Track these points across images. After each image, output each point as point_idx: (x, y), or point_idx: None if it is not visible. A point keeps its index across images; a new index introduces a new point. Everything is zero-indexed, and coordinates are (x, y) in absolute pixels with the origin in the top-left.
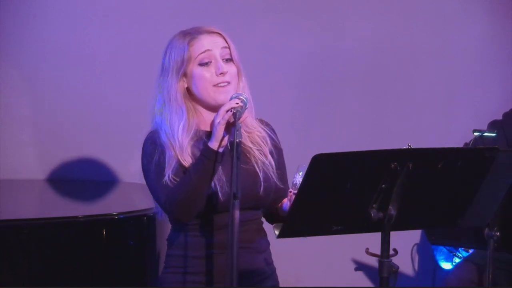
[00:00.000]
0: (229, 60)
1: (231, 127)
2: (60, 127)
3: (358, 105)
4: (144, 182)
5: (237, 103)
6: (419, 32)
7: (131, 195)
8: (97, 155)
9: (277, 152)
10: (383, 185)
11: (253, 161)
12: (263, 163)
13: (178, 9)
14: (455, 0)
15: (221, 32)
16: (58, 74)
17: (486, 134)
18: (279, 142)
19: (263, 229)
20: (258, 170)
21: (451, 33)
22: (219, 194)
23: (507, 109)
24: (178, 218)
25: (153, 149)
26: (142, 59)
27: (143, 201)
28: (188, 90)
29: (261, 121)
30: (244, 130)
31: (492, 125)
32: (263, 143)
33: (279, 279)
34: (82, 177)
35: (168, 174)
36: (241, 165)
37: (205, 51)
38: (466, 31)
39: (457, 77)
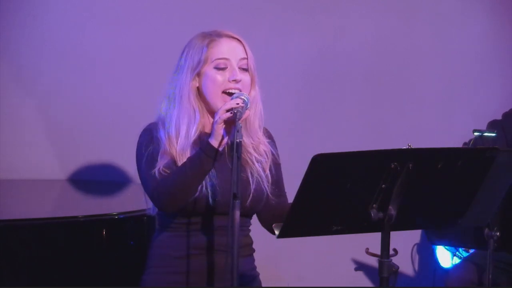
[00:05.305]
0: (245, 70)
1: (231, 126)
2: (60, 127)
3: (358, 105)
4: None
5: (238, 103)
6: (419, 32)
7: (131, 195)
8: (97, 155)
9: (276, 167)
10: (383, 185)
11: (248, 171)
12: (260, 175)
13: (178, 9)
14: (455, 0)
15: (241, 39)
16: (58, 74)
17: (486, 134)
18: (278, 156)
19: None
20: (251, 180)
21: (451, 33)
22: (209, 198)
23: (507, 109)
24: (163, 207)
25: (148, 140)
26: (142, 59)
27: (143, 201)
28: (199, 90)
29: (265, 131)
30: (252, 140)
31: (492, 125)
32: (266, 157)
33: (280, 279)
34: (82, 177)
35: (159, 166)
36: None
37: (222, 58)
38: (466, 31)
39: (457, 77)
